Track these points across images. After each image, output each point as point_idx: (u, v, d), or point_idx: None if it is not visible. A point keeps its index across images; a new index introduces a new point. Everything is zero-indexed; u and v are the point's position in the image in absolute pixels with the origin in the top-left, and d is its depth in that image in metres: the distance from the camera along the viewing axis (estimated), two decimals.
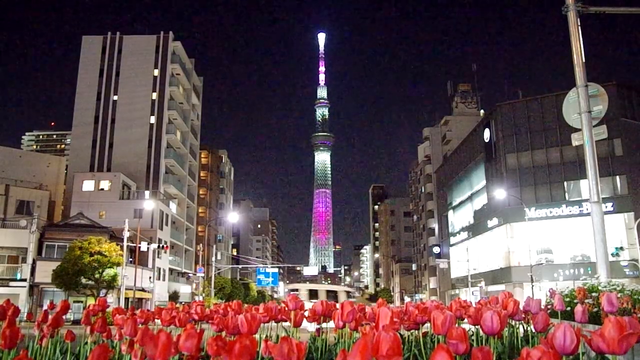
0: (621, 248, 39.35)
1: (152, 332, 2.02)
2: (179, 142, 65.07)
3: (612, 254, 35.87)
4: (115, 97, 60.76)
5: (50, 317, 3.43)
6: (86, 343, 3.53)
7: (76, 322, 29.00)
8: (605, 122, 9.70)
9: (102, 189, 53.80)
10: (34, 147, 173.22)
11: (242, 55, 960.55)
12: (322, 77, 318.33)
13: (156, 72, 61.77)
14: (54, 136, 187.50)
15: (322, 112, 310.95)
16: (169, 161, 61.24)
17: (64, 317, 3.52)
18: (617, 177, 44.75)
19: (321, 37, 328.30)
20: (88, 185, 53.79)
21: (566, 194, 47.51)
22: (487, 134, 54.26)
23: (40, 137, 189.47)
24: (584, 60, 9.06)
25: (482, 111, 79.26)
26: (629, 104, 46.84)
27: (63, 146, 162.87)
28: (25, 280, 39.25)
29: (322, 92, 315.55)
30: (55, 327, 3.36)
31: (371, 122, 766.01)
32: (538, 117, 49.59)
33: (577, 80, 9.01)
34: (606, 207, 35.57)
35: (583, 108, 8.79)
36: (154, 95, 61.32)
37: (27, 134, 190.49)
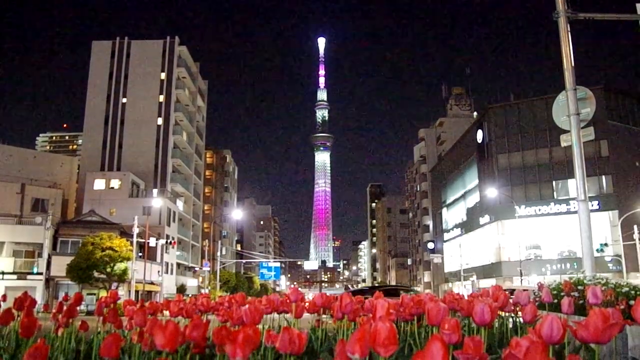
0: (605, 244, 40.07)
1: (161, 322, 2.02)
2: (185, 143, 65.69)
3: (597, 250, 35.42)
4: (124, 100, 61.29)
5: (64, 308, 3.48)
6: (99, 333, 3.53)
7: (89, 313, 28.71)
8: (593, 124, 9.73)
9: (113, 188, 54.37)
10: (48, 147, 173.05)
11: (245, 59, 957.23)
12: (322, 80, 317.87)
13: (163, 76, 62.27)
14: (67, 137, 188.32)
15: (322, 113, 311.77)
16: (175, 161, 61.93)
17: (78, 308, 3.57)
18: (603, 177, 45.84)
19: (321, 42, 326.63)
20: (99, 184, 54.45)
21: (554, 193, 48.58)
22: (479, 135, 55.14)
23: (54, 138, 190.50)
24: (573, 65, 9.12)
25: (475, 113, 79.69)
26: (615, 107, 47.80)
27: (75, 147, 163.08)
28: (41, 273, 39.73)
29: (322, 95, 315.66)
30: (69, 317, 3.37)
31: (369, 123, 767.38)
32: (529, 119, 50.36)
33: (566, 84, 9.04)
34: (592, 205, 35.81)
35: (572, 110, 8.83)
36: (161, 98, 61.83)
37: (40, 135, 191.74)
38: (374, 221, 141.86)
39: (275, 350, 2.10)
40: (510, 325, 4.22)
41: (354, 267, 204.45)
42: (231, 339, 1.62)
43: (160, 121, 61.49)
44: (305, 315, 3.94)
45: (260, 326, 3.45)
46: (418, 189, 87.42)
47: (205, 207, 75.48)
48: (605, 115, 43.70)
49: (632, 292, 5.06)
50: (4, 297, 4.99)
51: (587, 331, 1.82)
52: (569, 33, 9.39)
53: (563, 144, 9.64)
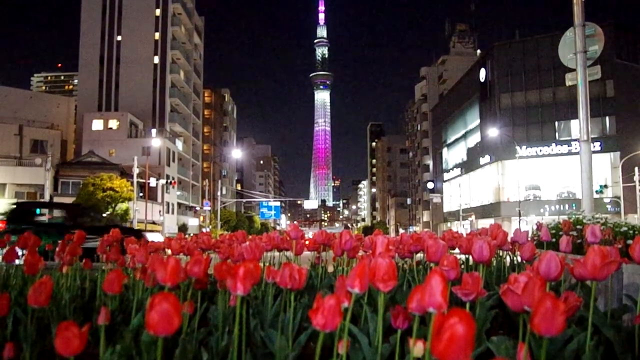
0: (605, 186, 40.19)
1: (162, 258, 2.03)
2: (183, 82, 64.89)
3: (596, 191, 35.79)
4: (119, 38, 60.05)
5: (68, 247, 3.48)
6: (103, 270, 3.56)
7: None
8: (600, 62, 9.47)
9: (111, 128, 54.43)
10: (43, 88, 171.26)
11: None
12: (321, 16, 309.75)
13: (158, 12, 60.56)
14: (62, 77, 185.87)
15: (321, 51, 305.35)
16: (173, 100, 61.47)
17: (81, 247, 3.61)
18: (607, 118, 45.24)
19: None
20: (97, 125, 54.46)
21: (556, 134, 48.21)
22: (482, 73, 54.04)
23: (49, 78, 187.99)
24: None
25: (478, 51, 78.04)
26: (624, 44, 46.31)
27: (71, 87, 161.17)
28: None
29: (321, 32, 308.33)
30: (73, 255, 3.42)
31: (370, 61, 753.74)
32: (533, 57, 49.11)
33: (575, 19, 8.62)
34: (594, 146, 33.45)
35: (579, 48, 8.48)
36: (157, 35, 60.54)
37: (35, 75, 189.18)
38: (374, 160, 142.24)
39: (276, 285, 2.11)
40: (508, 264, 4.20)
41: (354, 207, 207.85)
42: (232, 274, 1.62)
43: (156, 60, 60.46)
44: (305, 253, 3.95)
45: (260, 263, 3.40)
46: (419, 129, 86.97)
47: (205, 147, 75.65)
48: (613, 53, 42.30)
49: (631, 231, 4.97)
50: (8, 236, 5.04)
51: (585, 268, 1.83)
52: None
53: (568, 83, 9.35)
